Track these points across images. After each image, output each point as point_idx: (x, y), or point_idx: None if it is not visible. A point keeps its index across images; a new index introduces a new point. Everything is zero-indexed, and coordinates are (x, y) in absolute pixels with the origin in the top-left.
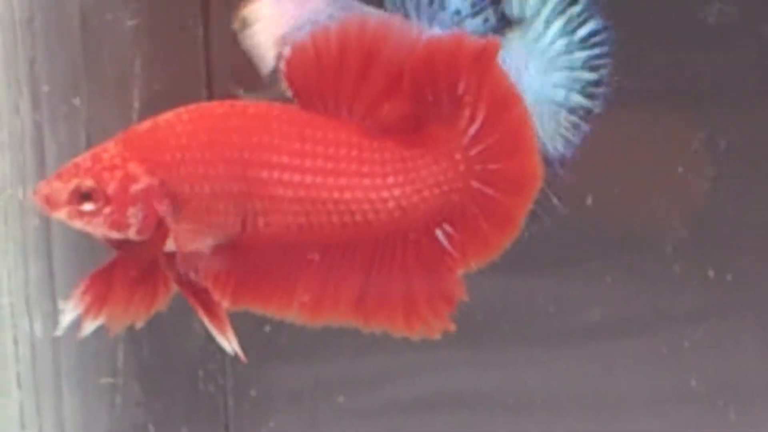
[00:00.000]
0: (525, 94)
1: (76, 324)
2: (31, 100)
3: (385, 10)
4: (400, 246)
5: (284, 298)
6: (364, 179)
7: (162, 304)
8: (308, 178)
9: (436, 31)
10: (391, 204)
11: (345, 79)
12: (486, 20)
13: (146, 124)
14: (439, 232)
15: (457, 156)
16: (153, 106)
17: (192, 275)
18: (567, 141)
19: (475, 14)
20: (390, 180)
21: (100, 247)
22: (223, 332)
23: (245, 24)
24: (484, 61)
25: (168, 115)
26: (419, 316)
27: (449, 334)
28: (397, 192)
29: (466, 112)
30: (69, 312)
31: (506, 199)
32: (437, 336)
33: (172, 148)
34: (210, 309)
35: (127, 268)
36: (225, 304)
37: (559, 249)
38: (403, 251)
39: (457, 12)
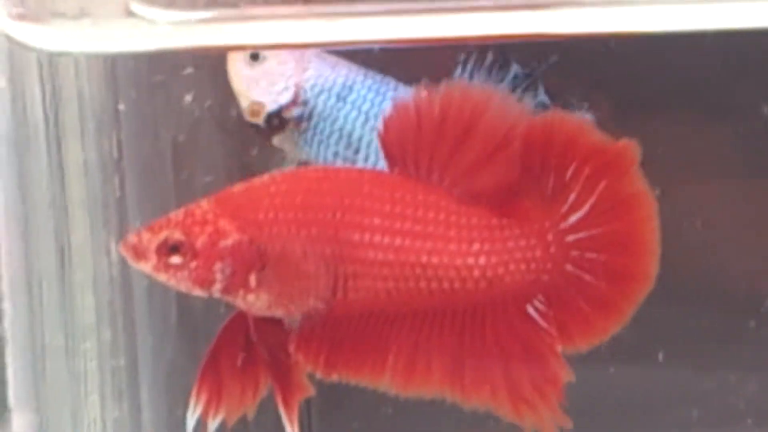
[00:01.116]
0: None
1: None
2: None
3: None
4: (490, 319)
5: (377, 366)
6: (450, 244)
7: (265, 389)
8: (397, 241)
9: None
10: (476, 272)
11: (442, 144)
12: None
13: (241, 185)
14: (530, 309)
15: (550, 236)
16: None
17: (283, 351)
18: None
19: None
20: (475, 247)
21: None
22: (290, 420)
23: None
24: (618, 159)
25: (263, 177)
26: (524, 398)
27: None
28: (482, 260)
29: (572, 197)
30: (191, 416)
31: (609, 288)
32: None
33: (265, 208)
34: (288, 391)
35: (230, 355)
36: (318, 374)
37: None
38: (495, 325)
39: (515, 77)
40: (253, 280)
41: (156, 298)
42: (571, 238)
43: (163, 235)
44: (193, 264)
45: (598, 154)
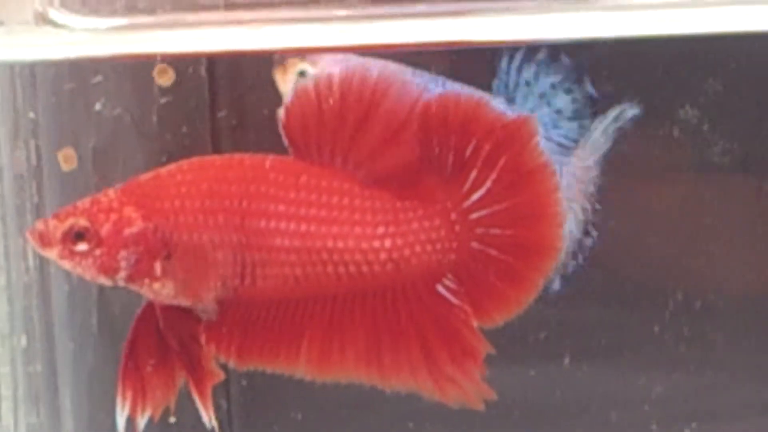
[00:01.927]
0: None
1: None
2: None
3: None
4: (401, 300)
5: (291, 353)
6: (356, 227)
7: (181, 378)
8: (303, 227)
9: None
10: (382, 255)
11: (343, 129)
12: (581, 126)
13: (148, 174)
14: (441, 288)
15: (453, 216)
16: None
17: (194, 340)
18: None
19: (572, 119)
20: (380, 230)
21: None
22: (205, 407)
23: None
24: (516, 133)
25: (170, 166)
26: (446, 375)
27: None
28: (387, 243)
29: (473, 175)
30: (120, 416)
31: (517, 261)
32: (479, 405)
33: (171, 196)
34: (199, 378)
35: (146, 349)
36: (231, 363)
37: None
38: (407, 306)
39: (553, 86)
40: (158, 268)
41: (76, 303)
42: (474, 215)
43: (68, 222)
44: (98, 251)
45: (496, 130)
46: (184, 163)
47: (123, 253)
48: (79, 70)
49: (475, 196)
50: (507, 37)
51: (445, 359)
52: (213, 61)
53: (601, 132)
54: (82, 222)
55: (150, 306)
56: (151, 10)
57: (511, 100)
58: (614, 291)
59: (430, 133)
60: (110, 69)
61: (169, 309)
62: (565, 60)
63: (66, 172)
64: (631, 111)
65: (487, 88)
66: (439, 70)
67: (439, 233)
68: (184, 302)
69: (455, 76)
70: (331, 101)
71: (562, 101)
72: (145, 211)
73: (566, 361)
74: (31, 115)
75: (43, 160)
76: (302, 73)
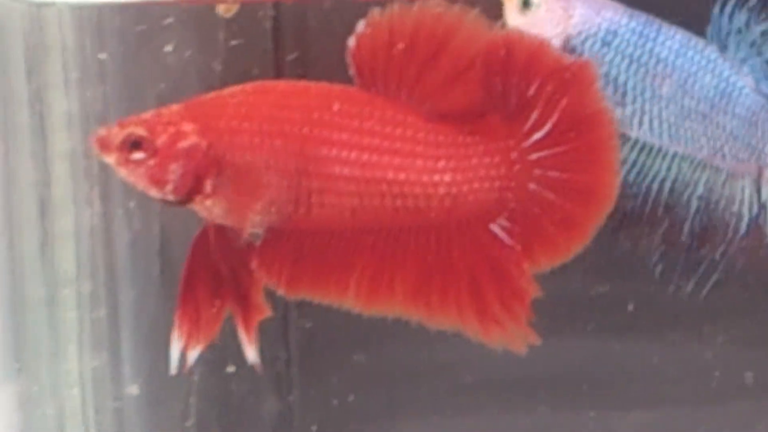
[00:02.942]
0: None
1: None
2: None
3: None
4: (455, 237)
5: (340, 283)
6: (417, 160)
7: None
8: (364, 156)
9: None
10: (441, 190)
11: (411, 62)
12: None
13: (212, 94)
14: (495, 227)
15: (514, 155)
16: None
17: (244, 268)
18: None
19: None
20: (441, 164)
21: None
22: (249, 338)
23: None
24: (578, 76)
25: (233, 88)
26: (492, 316)
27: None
28: (447, 177)
29: (534, 116)
30: (175, 350)
31: (572, 207)
32: (521, 348)
33: (229, 116)
34: (246, 309)
35: (200, 282)
36: (281, 291)
37: None
38: (460, 243)
39: (764, 33)
40: (209, 185)
41: (138, 250)
42: (534, 156)
43: (128, 130)
44: (151, 162)
45: (557, 72)
46: (248, 86)
47: (173, 166)
48: (151, 12)
49: (536, 137)
50: None
51: (493, 299)
52: (278, 4)
53: None
54: (140, 131)
55: (205, 232)
56: None
57: (723, 48)
58: None
59: (494, 71)
60: (180, 11)
61: (222, 232)
62: None
63: None
64: None
65: (701, 34)
66: (653, 13)
67: (499, 171)
68: (233, 223)
69: (670, 21)
70: (403, 34)
71: None
72: (201, 127)
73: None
74: (102, 56)
75: (111, 103)
76: (526, 3)
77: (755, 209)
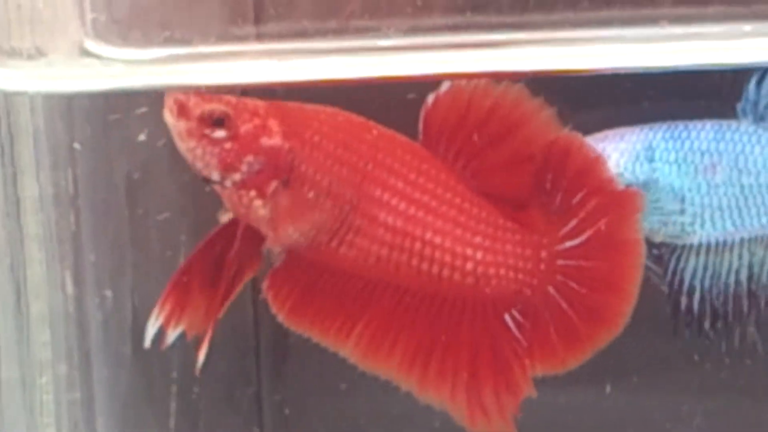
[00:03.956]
0: None
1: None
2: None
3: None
4: (468, 316)
5: (343, 331)
6: (457, 229)
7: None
8: (411, 210)
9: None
10: (469, 265)
11: (478, 137)
12: None
13: (294, 104)
14: (507, 317)
15: (544, 254)
16: None
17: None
18: None
19: None
20: (478, 239)
21: None
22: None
23: None
24: (623, 203)
25: (313, 105)
26: (482, 404)
27: None
28: (479, 255)
29: (572, 223)
30: (152, 325)
31: (580, 323)
32: None
33: (312, 129)
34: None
35: (204, 270)
36: (280, 318)
37: None
38: (472, 324)
39: None
40: (272, 186)
41: (111, 332)
42: (561, 262)
43: (213, 105)
44: (229, 145)
45: (607, 191)
46: (328, 108)
47: (250, 158)
48: (122, 99)
49: (568, 244)
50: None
51: (488, 387)
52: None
53: None
54: (227, 110)
55: (231, 227)
56: (187, 41)
57: (760, 119)
58: None
59: (548, 168)
60: (153, 101)
61: (249, 234)
62: None
63: (102, 203)
64: None
65: (731, 111)
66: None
67: (526, 264)
68: (273, 231)
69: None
70: (480, 108)
71: None
72: (287, 130)
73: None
74: (76, 146)
75: (80, 188)
76: None
77: None
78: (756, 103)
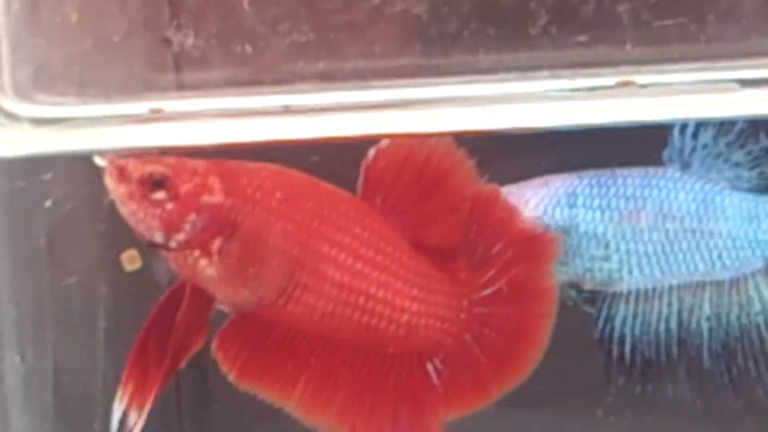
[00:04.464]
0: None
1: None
2: None
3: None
4: (395, 366)
5: (287, 387)
6: (398, 282)
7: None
8: (358, 265)
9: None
10: (405, 317)
11: (412, 189)
12: (762, 174)
13: (234, 161)
14: (429, 366)
15: (465, 303)
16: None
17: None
18: None
19: (752, 167)
20: (415, 291)
21: None
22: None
23: None
24: (537, 250)
25: (255, 163)
26: None
27: None
28: (414, 307)
29: (490, 273)
30: (117, 409)
31: (489, 370)
32: None
33: (254, 186)
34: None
35: (159, 338)
36: (230, 378)
37: None
38: (397, 373)
39: (737, 164)
40: (216, 244)
41: (31, 382)
42: (478, 310)
43: (152, 167)
44: (170, 205)
45: (522, 239)
46: (270, 165)
47: (192, 217)
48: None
49: (485, 293)
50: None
51: None
52: None
53: None
54: (167, 171)
55: (176, 293)
56: (100, 97)
57: (686, 166)
58: None
59: (471, 219)
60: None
61: (197, 295)
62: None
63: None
64: None
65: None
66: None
67: (451, 314)
68: (220, 291)
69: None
70: (415, 161)
71: (739, 155)
72: (228, 188)
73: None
74: None
75: None
76: None
77: None
78: (681, 151)
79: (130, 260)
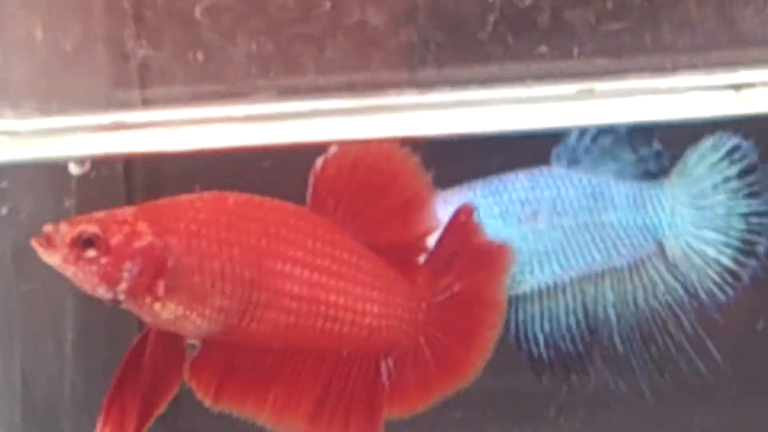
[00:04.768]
0: (675, 239)
1: None
2: None
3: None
4: (355, 368)
5: (259, 401)
6: (358, 287)
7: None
8: (315, 276)
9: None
10: (366, 320)
11: (362, 194)
12: (641, 163)
13: (166, 199)
14: (383, 366)
15: (423, 305)
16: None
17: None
18: (711, 294)
19: (635, 160)
20: (375, 294)
21: None
22: None
23: None
24: (491, 260)
25: (189, 195)
26: None
27: None
28: (375, 309)
29: (447, 279)
30: None
31: (435, 374)
32: None
33: (188, 219)
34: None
35: (134, 382)
36: (207, 402)
37: None
38: (357, 375)
39: (621, 158)
40: (161, 286)
41: (0, 397)
42: (434, 313)
43: (80, 228)
44: (104, 260)
45: (482, 251)
46: (205, 194)
47: (128, 264)
48: None
49: (441, 297)
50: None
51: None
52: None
53: (698, 159)
54: (93, 229)
55: (144, 338)
56: (64, 111)
57: (575, 162)
58: None
59: (446, 226)
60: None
61: (163, 338)
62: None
63: None
64: (732, 141)
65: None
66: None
67: (410, 315)
68: (179, 328)
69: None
70: (362, 167)
71: (623, 150)
72: (157, 229)
73: None
74: None
75: None
76: None
77: (685, 279)
78: (574, 149)
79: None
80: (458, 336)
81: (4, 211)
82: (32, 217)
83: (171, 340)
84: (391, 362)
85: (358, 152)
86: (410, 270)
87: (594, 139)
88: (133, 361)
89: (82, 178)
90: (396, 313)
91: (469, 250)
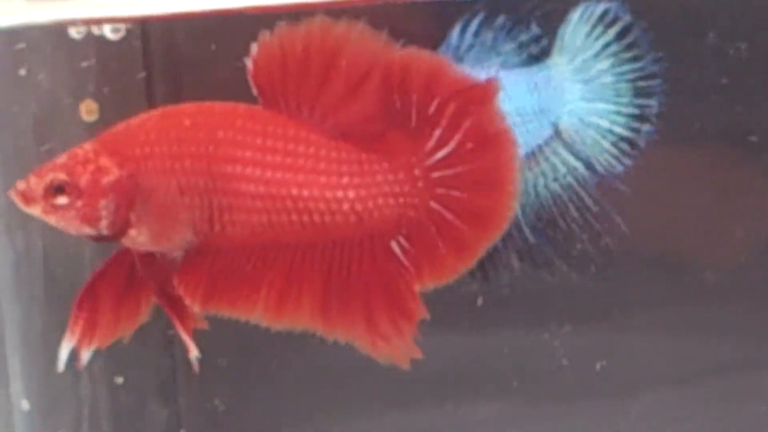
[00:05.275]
0: (569, 117)
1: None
2: None
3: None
4: (357, 254)
5: (250, 298)
6: (320, 177)
7: (145, 316)
8: (268, 173)
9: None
10: (345, 206)
11: (306, 80)
12: (522, 49)
13: (121, 124)
14: (394, 245)
15: (417, 172)
16: None
17: (170, 285)
18: (611, 165)
19: (517, 48)
20: (345, 180)
21: None
22: (189, 345)
23: None
24: (480, 96)
25: (140, 116)
26: (381, 333)
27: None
28: (351, 194)
29: (437, 134)
30: (65, 347)
31: (468, 229)
32: (405, 364)
33: (141, 143)
34: (182, 318)
35: (110, 288)
36: (195, 308)
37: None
38: (360, 260)
39: (504, 51)
40: (133, 215)
41: (22, 271)
42: (437, 174)
43: (48, 177)
44: (79, 203)
45: (460, 91)
46: (154, 112)
47: (103, 202)
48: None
49: (439, 155)
50: None
51: (384, 318)
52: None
53: (572, 32)
54: (61, 176)
55: (124, 252)
56: None
57: (459, 60)
58: None
59: (392, 88)
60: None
61: (147, 257)
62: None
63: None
64: (601, 6)
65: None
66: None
67: (402, 188)
68: (159, 248)
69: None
70: (294, 53)
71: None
72: (119, 159)
73: None
74: None
75: None
76: None
77: (587, 159)
78: (457, 47)
79: (88, 111)
80: (476, 185)
81: (23, 72)
82: (50, 79)
83: (157, 258)
84: (402, 239)
85: (285, 39)
86: (387, 143)
87: (475, 34)
88: (111, 271)
89: (99, 40)
90: (383, 191)
91: (446, 97)
